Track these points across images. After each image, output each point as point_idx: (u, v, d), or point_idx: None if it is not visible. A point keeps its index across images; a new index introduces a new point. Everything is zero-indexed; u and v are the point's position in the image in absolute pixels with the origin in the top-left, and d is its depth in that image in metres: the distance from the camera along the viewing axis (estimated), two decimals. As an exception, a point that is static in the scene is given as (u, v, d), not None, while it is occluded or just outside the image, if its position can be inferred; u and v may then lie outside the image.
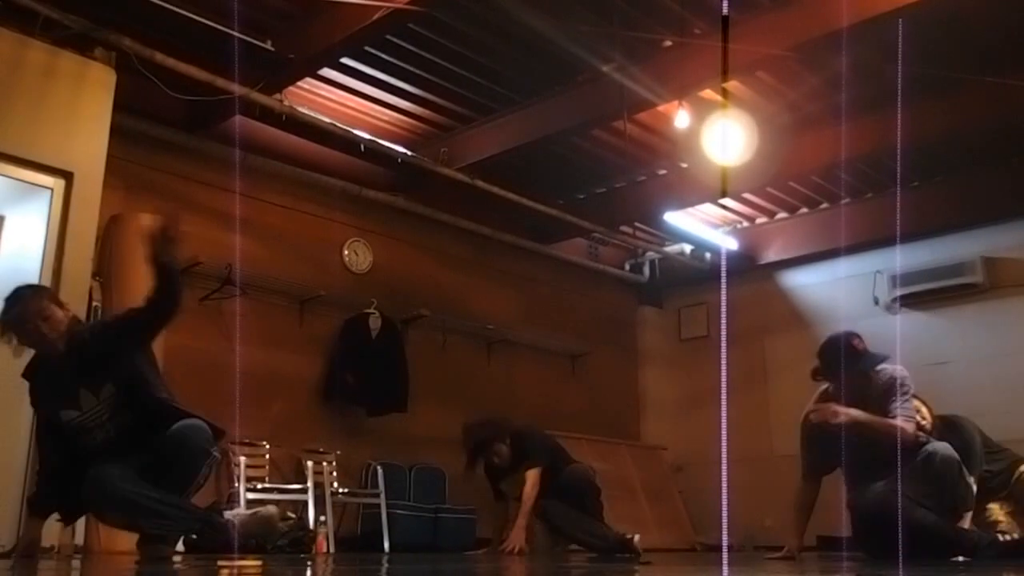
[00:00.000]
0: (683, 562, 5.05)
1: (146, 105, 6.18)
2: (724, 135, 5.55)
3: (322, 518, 6.33)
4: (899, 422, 3.93)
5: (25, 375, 3.73)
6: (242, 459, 6.22)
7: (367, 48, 6.28)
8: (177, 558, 4.35)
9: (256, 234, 6.90)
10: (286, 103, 6.48)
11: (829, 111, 7.09)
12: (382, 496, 6.92)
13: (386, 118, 7.40)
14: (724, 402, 4.82)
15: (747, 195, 8.84)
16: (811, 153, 7.66)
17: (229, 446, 6.34)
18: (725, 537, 5.55)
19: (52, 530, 4.62)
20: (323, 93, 6.97)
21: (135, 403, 3.55)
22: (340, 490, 6.79)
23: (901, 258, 8.31)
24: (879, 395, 4.06)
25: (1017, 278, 8.13)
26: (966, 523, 4.08)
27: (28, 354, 4.62)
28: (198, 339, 6.43)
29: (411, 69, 6.65)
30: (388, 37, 6.12)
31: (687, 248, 9.83)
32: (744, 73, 6.55)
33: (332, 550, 6.25)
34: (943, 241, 8.38)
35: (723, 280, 9.04)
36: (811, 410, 4.17)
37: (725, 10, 5.40)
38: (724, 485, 4.52)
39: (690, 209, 9.02)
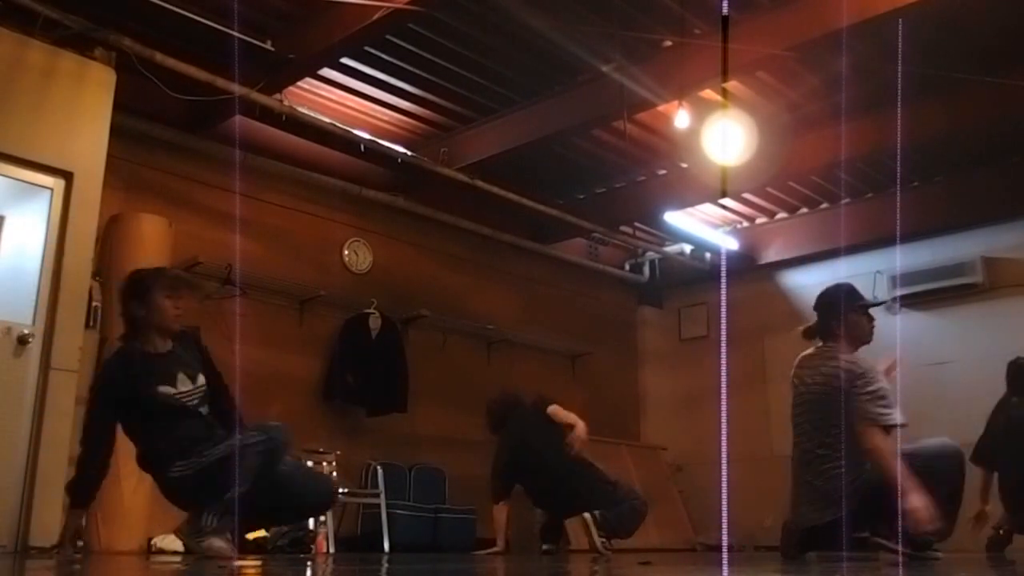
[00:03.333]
0: (683, 562, 5.05)
1: (146, 105, 6.18)
2: (724, 135, 5.55)
3: (322, 518, 6.32)
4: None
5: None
6: (242, 459, 6.20)
7: (367, 48, 6.28)
8: (177, 558, 4.35)
9: (256, 234, 6.90)
10: (286, 103, 6.48)
11: (829, 111, 7.09)
12: (382, 496, 6.92)
13: (386, 118, 7.39)
14: (724, 402, 4.80)
15: (747, 195, 8.84)
16: (811, 153, 7.66)
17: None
18: (725, 537, 5.55)
19: (52, 530, 4.63)
20: (323, 93, 6.97)
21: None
22: (340, 490, 6.78)
23: (901, 258, 8.30)
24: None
25: (1017, 278, 8.12)
26: None
27: (28, 354, 4.63)
28: (198, 339, 6.43)
29: (411, 69, 6.65)
30: (388, 37, 6.12)
31: (687, 248, 9.83)
32: (744, 73, 6.55)
33: (332, 550, 6.24)
34: (943, 241, 8.37)
35: (723, 280, 9.04)
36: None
37: (725, 10, 5.40)
38: (724, 485, 4.52)
39: (690, 209, 9.02)
